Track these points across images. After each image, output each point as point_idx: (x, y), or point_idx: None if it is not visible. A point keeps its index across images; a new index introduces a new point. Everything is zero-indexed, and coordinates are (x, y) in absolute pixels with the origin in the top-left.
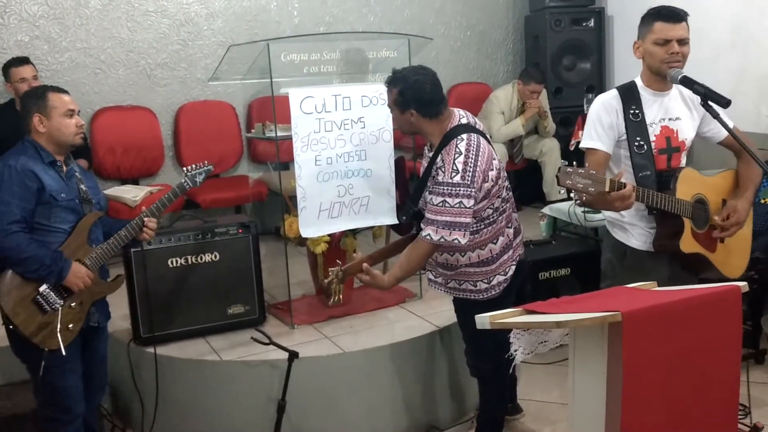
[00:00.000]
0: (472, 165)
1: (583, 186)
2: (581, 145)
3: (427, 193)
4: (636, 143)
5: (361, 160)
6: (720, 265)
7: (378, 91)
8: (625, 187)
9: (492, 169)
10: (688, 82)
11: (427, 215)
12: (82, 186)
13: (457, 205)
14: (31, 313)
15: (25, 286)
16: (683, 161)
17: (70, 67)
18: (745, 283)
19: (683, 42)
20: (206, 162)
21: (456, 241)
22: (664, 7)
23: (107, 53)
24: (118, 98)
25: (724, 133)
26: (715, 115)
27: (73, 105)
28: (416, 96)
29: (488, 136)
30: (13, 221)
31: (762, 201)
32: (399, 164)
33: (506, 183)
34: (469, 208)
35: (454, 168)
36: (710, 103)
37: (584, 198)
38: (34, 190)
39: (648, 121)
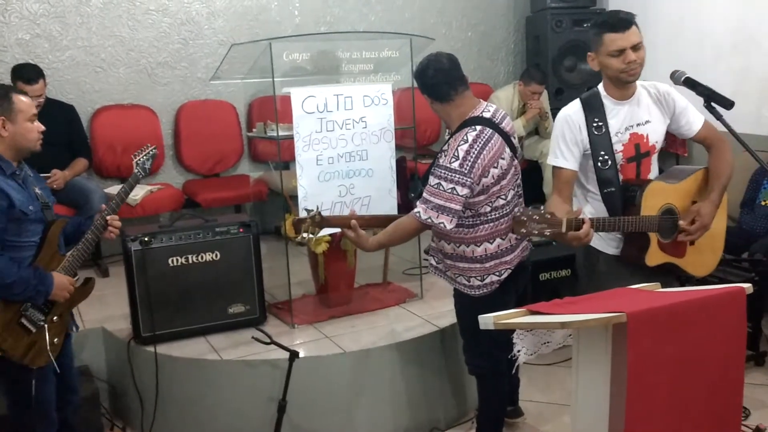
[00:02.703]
0: (473, 156)
1: (539, 230)
2: (547, 162)
3: (430, 173)
4: (600, 158)
5: (362, 160)
6: (689, 267)
7: (380, 90)
8: (582, 225)
9: (495, 167)
10: (691, 84)
11: (423, 194)
12: (37, 190)
13: (450, 191)
14: (18, 335)
15: (8, 309)
16: (654, 165)
17: (70, 65)
18: (749, 284)
19: (637, 47)
20: (149, 145)
21: (442, 225)
22: (612, 15)
23: (108, 52)
24: (118, 97)
25: (696, 128)
26: (718, 117)
27: (35, 109)
28: (421, 82)
29: (513, 137)
30: None
31: (763, 203)
32: (400, 164)
33: (519, 190)
34: (462, 196)
35: (455, 154)
36: (713, 104)
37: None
38: (4, 209)
39: (613, 131)
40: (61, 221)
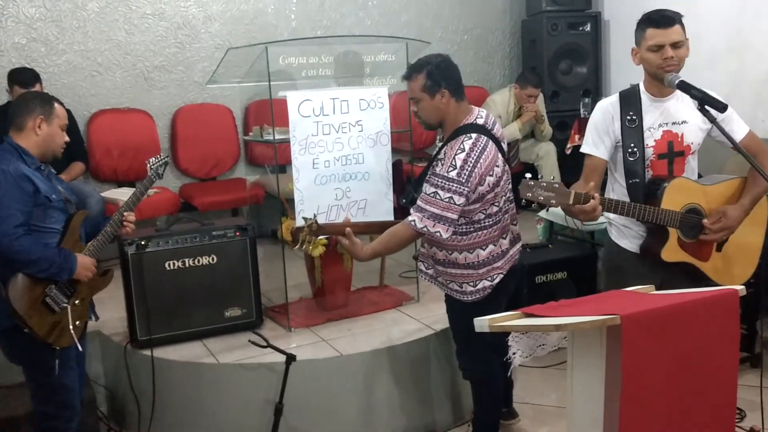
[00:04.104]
0: (471, 165)
1: (545, 198)
2: (581, 149)
3: (424, 181)
4: (629, 149)
5: (358, 164)
6: (713, 273)
7: (376, 94)
8: (590, 200)
9: (491, 175)
10: (685, 87)
11: (418, 202)
12: (59, 187)
13: (447, 200)
14: (43, 314)
15: (34, 288)
16: (690, 165)
17: (67, 69)
18: (743, 287)
19: (677, 45)
20: (161, 155)
21: (438, 234)
22: (655, 11)
23: (104, 56)
24: (115, 101)
25: (739, 137)
26: (712, 120)
27: (67, 120)
28: (445, 74)
29: (503, 143)
30: (18, 225)
31: None
32: (397, 167)
33: (509, 195)
34: (459, 205)
35: (453, 163)
36: (707, 107)
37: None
38: (30, 193)
39: (646, 125)
40: (82, 212)
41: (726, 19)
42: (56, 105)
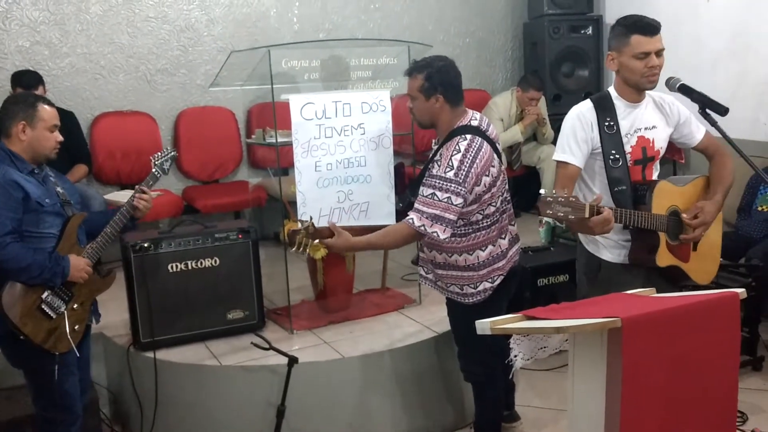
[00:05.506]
0: (467, 165)
1: (564, 214)
2: (554, 157)
3: (421, 184)
4: (611, 157)
5: (360, 167)
6: (692, 273)
7: (378, 97)
8: (602, 211)
9: (487, 176)
10: (686, 90)
11: (416, 205)
12: (59, 189)
13: (446, 200)
14: (38, 320)
15: (29, 295)
16: (656, 170)
17: (70, 72)
18: (743, 289)
19: (660, 54)
20: (169, 148)
21: (435, 234)
22: (640, 18)
23: (107, 59)
24: (118, 103)
25: (698, 138)
26: (713, 123)
27: (57, 120)
28: (443, 80)
29: (498, 144)
30: (6, 233)
31: (759, 208)
32: (398, 170)
33: (506, 195)
34: (457, 205)
35: (450, 164)
36: (708, 111)
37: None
38: (19, 200)
39: (623, 132)
40: (79, 215)
41: (728, 22)
42: (41, 107)
